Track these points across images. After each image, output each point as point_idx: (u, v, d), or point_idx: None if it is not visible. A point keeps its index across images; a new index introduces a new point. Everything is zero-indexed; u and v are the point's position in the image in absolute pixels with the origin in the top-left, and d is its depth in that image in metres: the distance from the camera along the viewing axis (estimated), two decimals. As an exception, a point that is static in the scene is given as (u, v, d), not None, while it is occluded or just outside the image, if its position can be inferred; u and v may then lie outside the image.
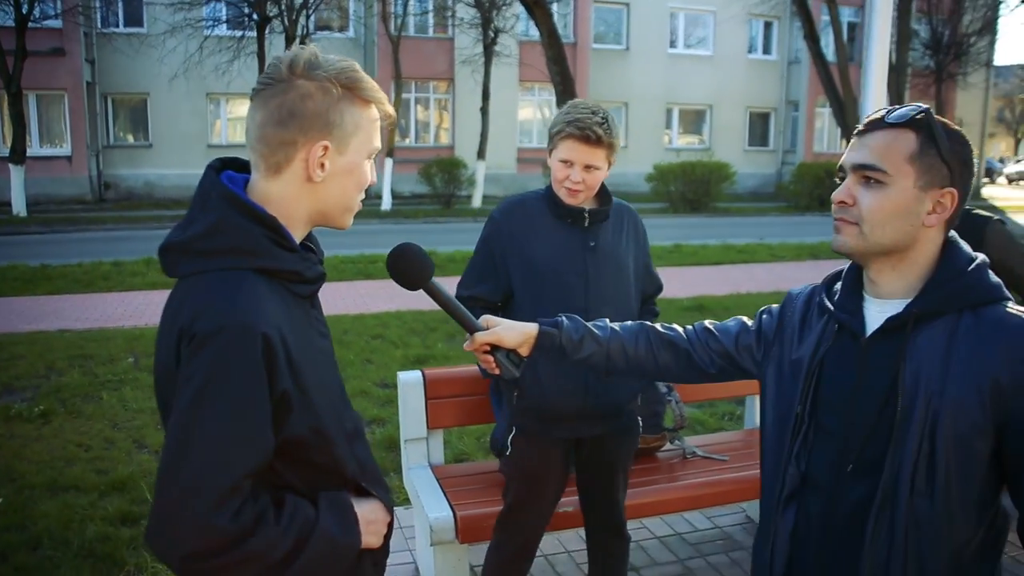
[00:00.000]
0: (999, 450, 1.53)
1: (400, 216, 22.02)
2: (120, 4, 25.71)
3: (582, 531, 3.27)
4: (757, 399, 4.43)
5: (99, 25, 25.23)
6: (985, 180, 42.21)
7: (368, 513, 1.65)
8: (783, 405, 1.77)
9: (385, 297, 10.51)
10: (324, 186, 1.57)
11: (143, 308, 9.99)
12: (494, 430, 3.12)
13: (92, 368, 7.24)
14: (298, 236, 1.61)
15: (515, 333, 1.97)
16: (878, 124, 1.62)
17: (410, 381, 3.70)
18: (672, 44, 31.94)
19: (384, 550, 1.76)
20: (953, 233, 1.67)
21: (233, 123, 28.06)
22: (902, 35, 21.07)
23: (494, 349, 1.97)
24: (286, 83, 1.52)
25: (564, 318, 2.02)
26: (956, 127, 1.63)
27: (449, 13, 26.37)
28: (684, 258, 14.69)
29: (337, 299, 10.60)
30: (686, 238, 17.57)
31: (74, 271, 12.28)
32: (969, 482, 1.53)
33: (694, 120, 33.17)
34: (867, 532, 1.57)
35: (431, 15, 28.36)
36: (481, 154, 24.89)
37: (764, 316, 1.95)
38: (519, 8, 16.43)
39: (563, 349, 1.99)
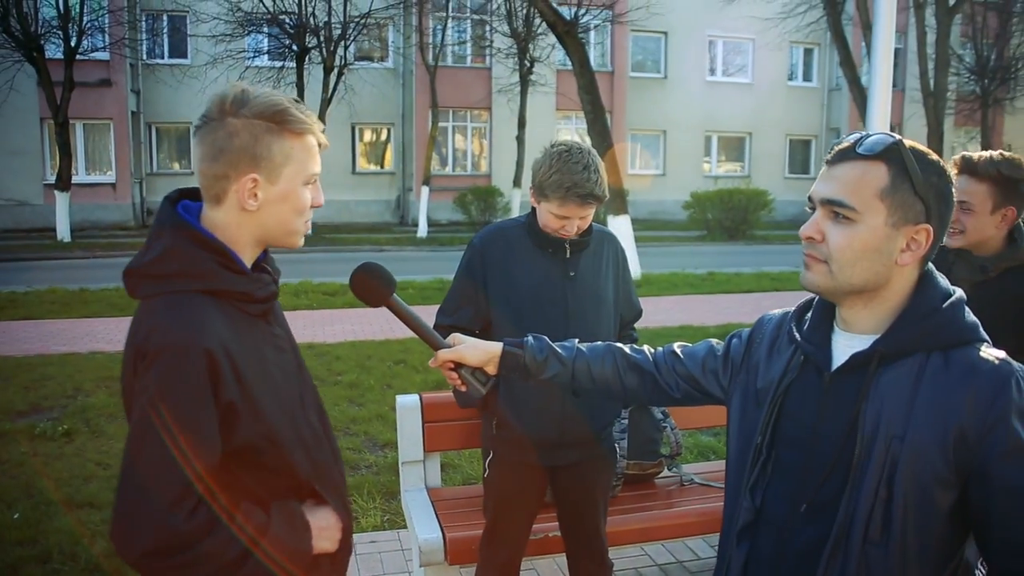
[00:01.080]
0: (962, 503, 1.46)
1: (436, 243, 22.17)
2: (165, 37, 26.40)
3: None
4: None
5: (144, 57, 25.90)
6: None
7: (320, 520, 1.78)
8: (745, 435, 1.70)
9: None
10: (260, 214, 1.69)
11: (174, 332, 10.13)
12: None
13: (119, 389, 7.32)
14: (247, 258, 1.73)
15: (478, 352, 1.97)
16: (848, 154, 1.53)
17: (408, 405, 3.73)
18: (711, 72, 31.94)
19: (344, 552, 1.86)
20: (930, 266, 1.59)
21: (275, 151, 28.40)
22: (940, 59, 20.82)
23: (459, 366, 1.98)
24: (217, 121, 1.65)
25: (530, 338, 2.00)
26: (933, 157, 1.53)
27: (486, 43, 26.64)
28: (717, 286, 14.61)
29: (364, 325, 10.70)
30: (721, 266, 17.48)
31: (111, 295, 12.53)
32: (927, 534, 1.46)
33: (734, 147, 33.05)
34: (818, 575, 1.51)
35: (468, 45, 28.66)
36: (517, 182, 25.03)
37: (733, 340, 1.87)
38: (555, 38, 16.56)
39: (527, 368, 1.96)
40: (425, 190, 24.05)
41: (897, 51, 30.92)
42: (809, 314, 1.69)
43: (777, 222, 28.61)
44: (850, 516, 1.48)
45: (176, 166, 27.75)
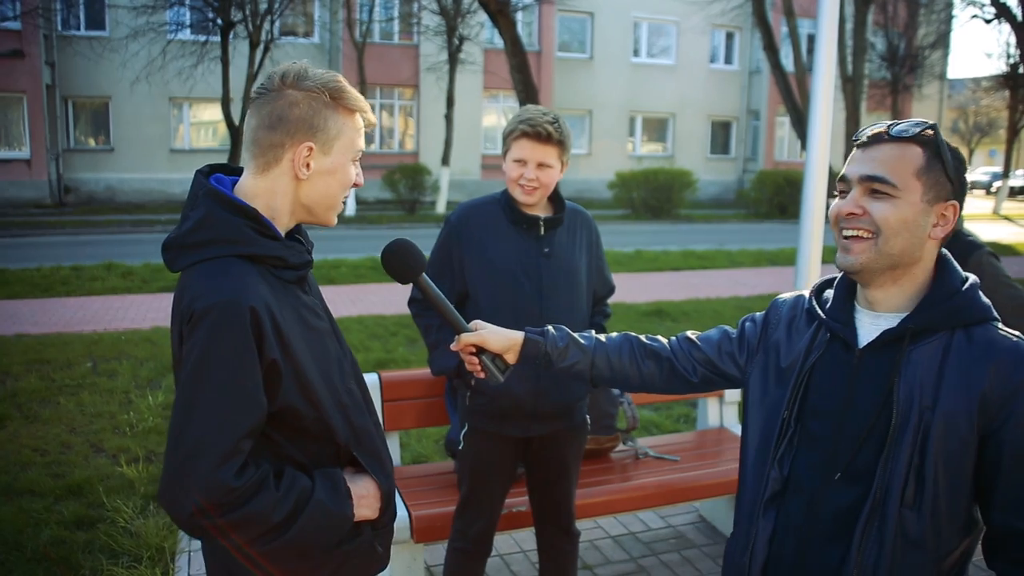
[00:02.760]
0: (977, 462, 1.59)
1: (365, 222, 22.00)
2: (81, 7, 25.44)
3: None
4: (710, 402, 4.54)
5: (59, 28, 24.95)
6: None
7: (360, 488, 1.82)
8: (768, 410, 1.81)
9: (347, 302, 10.53)
10: (309, 183, 1.77)
11: (102, 313, 9.91)
12: (449, 431, 3.17)
13: (49, 373, 7.19)
14: (283, 228, 1.79)
15: (501, 338, 2.00)
16: (882, 138, 1.66)
17: (366, 383, 3.74)
18: (635, 53, 32.23)
19: (387, 518, 1.91)
20: (946, 253, 1.73)
21: (196, 127, 27.83)
22: (858, 47, 21.43)
23: (480, 351, 2.01)
24: (277, 92, 1.73)
25: (550, 327, 2.05)
26: (954, 146, 1.68)
27: (414, 20, 26.40)
28: (645, 264, 14.85)
29: (329, 303, 10.58)
30: (647, 244, 17.76)
31: (32, 276, 12.12)
32: (956, 496, 1.59)
33: (657, 128, 33.47)
34: (854, 540, 1.62)
35: (396, 22, 28.36)
36: (445, 160, 24.94)
37: (747, 324, 1.98)
38: (484, 16, 16.52)
39: (548, 357, 2.01)
40: (352, 168, 23.74)
41: (813, 37, 31.73)
42: (828, 292, 1.83)
43: (699, 201, 29.18)
44: (887, 483, 1.59)
45: (93, 142, 26.83)
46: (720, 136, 34.32)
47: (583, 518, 3.61)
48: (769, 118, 33.16)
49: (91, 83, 25.45)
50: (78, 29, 25.37)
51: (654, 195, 25.28)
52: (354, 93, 1.78)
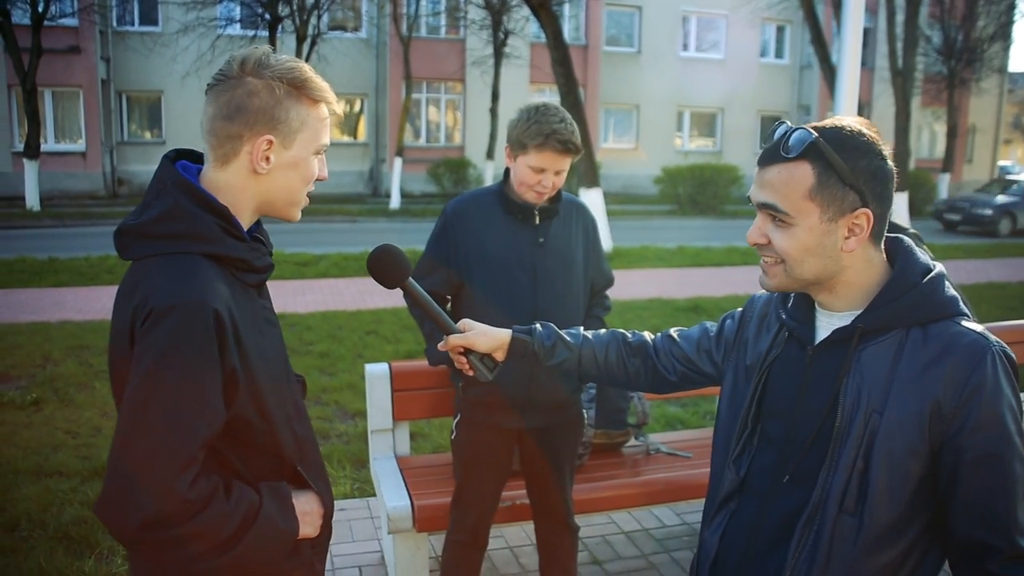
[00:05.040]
0: (931, 473, 1.50)
1: (408, 215, 22.11)
2: (135, 3, 25.96)
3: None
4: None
5: (114, 24, 25.49)
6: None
7: (303, 504, 1.73)
8: (734, 409, 1.76)
9: (383, 294, 10.58)
10: (269, 178, 1.66)
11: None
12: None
13: (88, 358, 7.35)
14: (245, 225, 1.69)
15: (488, 338, 1.98)
16: (774, 156, 1.55)
17: (377, 373, 3.76)
18: (684, 47, 31.94)
19: (325, 536, 1.82)
20: (908, 242, 1.62)
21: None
22: (909, 39, 20.97)
23: (468, 352, 2.00)
24: (236, 80, 1.62)
25: (538, 325, 2.03)
26: (862, 138, 1.52)
27: (461, 14, 26.45)
28: (686, 259, 14.72)
29: (335, 295, 10.70)
30: (691, 240, 17.60)
31: (80, 264, 12.42)
32: (897, 505, 1.49)
33: (705, 123, 33.14)
34: (791, 545, 1.56)
35: (443, 16, 28.44)
36: (490, 154, 24.99)
37: (727, 320, 1.93)
38: (529, 11, 16.48)
39: (536, 355, 1.99)
40: (398, 162, 23.92)
41: (867, 30, 31.06)
42: (793, 294, 1.75)
43: (747, 197, 28.76)
44: (827, 486, 1.52)
45: (147, 135, 27.37)
46: (770, 131, 33.77)
47: (591, 512, 3.60)
48: (820, 113, 32.59)
49: (144, 78, 25.95)
50: (132, 25, 25.90)
51: (700, 190, 25.04)
52: (319, 82, 1.68)
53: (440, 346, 2.02)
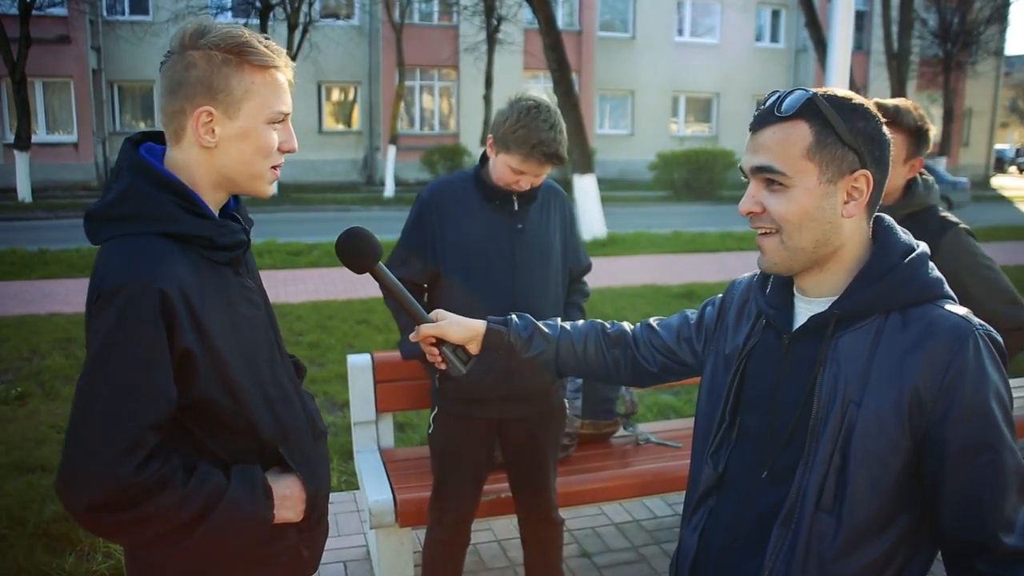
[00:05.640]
0: (913, 467, 1.41)
1: (403, 203, 22.01)
2: (126, -8, 25.81)
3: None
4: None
5: (104, 13, 25.33)
6: (994, 171, 41.82)
7: (283, 488, 1.70)
8: (713, 401, 1.67)
9: (375, 283, 10.51)
10: (219, 151, 1.62)
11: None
12: None
13: (75, 351, 7.27)
14: (211, 202, 1.66)
15: (461, 329, 1.89)
16: (768, 118, 1.46)
17: (359, 364, 3.69)
18: (679, 32, 31.77)
19: (314, 520, 1.78)
20: (889, 221, 1.54)
21: (238, 110, 28.09)
22: (904, 22, 20.88)
23: (440, 342, 1.91)
24: (177, 55, 1.59)
25: (514, 316, 1.94)
26: (857, 100, 1.46)
27: (453, 1, 26.29)
28: (681, 245, 14.66)
29: (328, 284, 10.62)
30: (687, 226, 17.54)
31: (71, 256, 12.32)
32: (876, 500, 1.41)
33: (701, 108, 33.02)
34: (769, 545, 1.48)
35: (435, 2, 28.28)
36: (485, 141, 24.83)
37: (707, 308, 1.83)
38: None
39: (511, 347, 1.90)
40: (392, 149, 23.81)
41: (862, 13, 30.99)
42: (772, 278, 1.65)
43: (743, 183, 28.67)
44: (804, 484, 1.44)
45: (141, 125, 27.22)
46: (766, 116, 33.70)
47: (577, 504, 3.53)
48: (816, 97, 32.45)
49: (136, 67, 25.77)
50: (122, 14, 25.74)
51: (695, 176, 24.96)
52: (262, 48, 1.61)
53: (412, 336, 1.94)
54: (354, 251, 1.84)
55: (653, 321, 1.94)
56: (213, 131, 1.60)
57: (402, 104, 26.20)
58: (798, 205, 1.44)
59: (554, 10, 16.02)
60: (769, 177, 1.46)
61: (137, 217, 1.56)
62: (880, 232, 1.52)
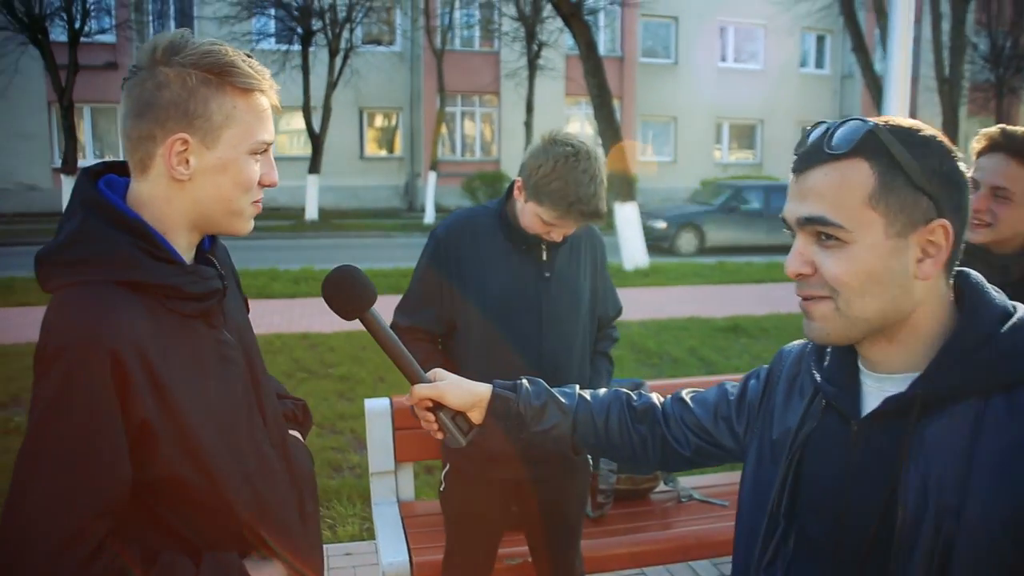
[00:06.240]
0: None
1: (441, 230, 21.85)
2: (172, 20, 26.13)
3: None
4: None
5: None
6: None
7: None
8: (759, 497, 1.36)
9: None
10: (194, 185, 1.40)
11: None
12: None
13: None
14: (182, 244, 1.42)
15: (462, 393, 1.61)
16: (817, 156, 1.17)
17: (377, 409, 3.41)
18: (722, 58, 31.45)
19: None
20: (977, 277, 1.23)
21: (280, 136, 28.37)
22: (956, 46, 20.37)
23: (437, 407, 1.63)
24: (146, 71, 1.37)
25: (524, 380, 1.66)
26: (927, 132, 1.17)
27: (494, 26, 26.31)
28: (726, 276, 14.27)
29: (331, 314, 10.40)
30: (730, 256, 17.14)
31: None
32: None
33: (745, 135, 32.60)
34: None
35: (477, 28, 28.31)
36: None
37: (751, 381, 1.54)
38: (563, 21, 16.22)
39: (521, 417, 1.62)
40: (432, 176, 23.75)
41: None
42: (830, 350, 1.34)
43: (781, 219, 28.20)
44: None
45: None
46: (811, 143, 33.25)
47: (613, 569, 3.21)
48: (863, 124, 31.93)
49: (179, 94, 26.03)
50: (169, 41, 26.09)
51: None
52: (246, 68, 1.39)
53: (406, 399, 1.67)
54: (342, 294, 1.56)
55: (686, 394, 1.63)
56: (187, 162, 1.38)
57: (443, 130, 26.18)
58: (860, 265, 1.15)
59: (595, 36, 15.83)
60: (822, 231, 1.17)
61: (88, 262, 1.33)
62: (968, 292, 1.21)
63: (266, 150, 1.44)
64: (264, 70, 1.42)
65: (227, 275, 1.54)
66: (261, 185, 1.45)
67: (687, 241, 18.90)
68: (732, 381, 1.60)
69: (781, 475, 1.29)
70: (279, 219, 24.34)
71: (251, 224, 1.48)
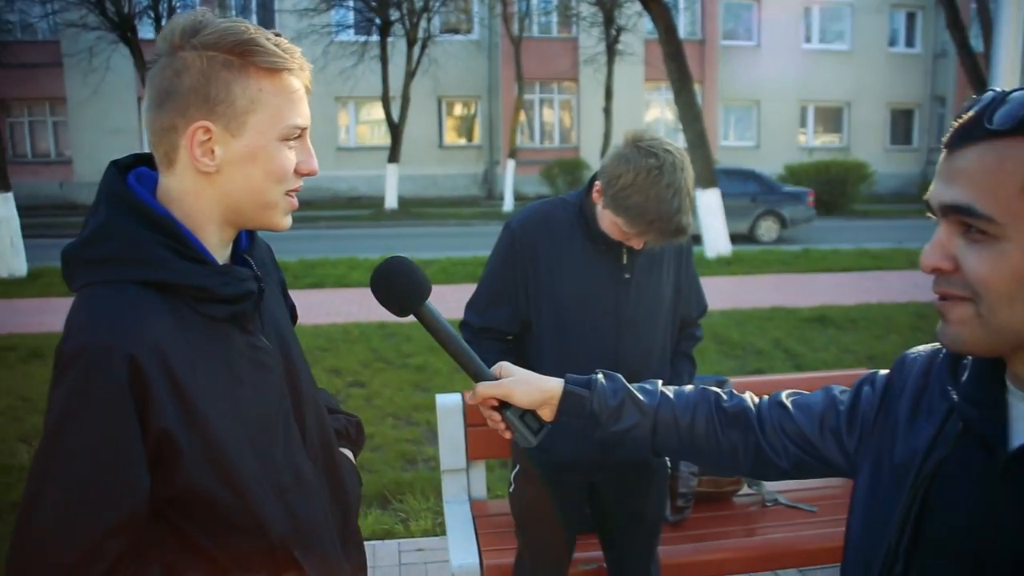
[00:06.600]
0: None
1: (519, 218, 21.80)
2: (254, 14, 26.61)
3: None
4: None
5: (236, 34, 26.23)
6: None
7: None
8: (874, 527, 1.18)
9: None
10: (222, 177, 1.29)
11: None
12: None
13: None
14: (213, 242, 1.32)
15: (530, 390, 1.48)
16: (974, 131, 0.98)
17: (448, 405, 3.31)
18: (807, 39, 30.57)
19: None
20: None
21: (361, 126, 28.69)
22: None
23: (504, 406, 1.51)
24: (168, 57, 1.26)
25: (600, 375, 1.51)
26: None
27: (572, 12, 26.10)
28: (812, 264, 13.81)
29: (441, 302, 10.16)
30: (816, 242, 16.66)
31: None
32: None
33: (831, 118, 31.67)
34: None
35: (554, 14, 28.13)
36: (604, 154, 24.49)
37: (864, 388, 1.33)
38: (641, 5, 15.92)
39: (595, 417, 1.47)
40: (511, 163, 23.70)
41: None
42: (969, 358, 1.14)
43: (878, 196, 27.34)
44: None
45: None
46: (901, 125, 32.09)
47: (698, 577, 3.05)
48: (956, 105, 30.62)
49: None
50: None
51: (826, 189, 23.82)
52: (271, 46, 1.26)
53: (468, 398, 1.56)
54: (393, 290, 1.46)
55: (786, 398, 1.43)
56: (212, 152, 1.26)
57: (522, 117, 26.10)
58: (1010, 267, 0.95)
59: (675, 19, 15.49)
60: (968, 221, 0.98)
61: (111, 261, 1.24)
62: None
63: (300, 135, 1.33)
64: (293, 48, 1.31)
65: (266, 275, 1.43)
66: (298, 174, 1.34)
67: None
68: (839, 385, 1.41)
69: (904, 506, 1.10)
70: (359, 208, 24.62)
71: (288, 220, 1.37)
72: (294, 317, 1.60)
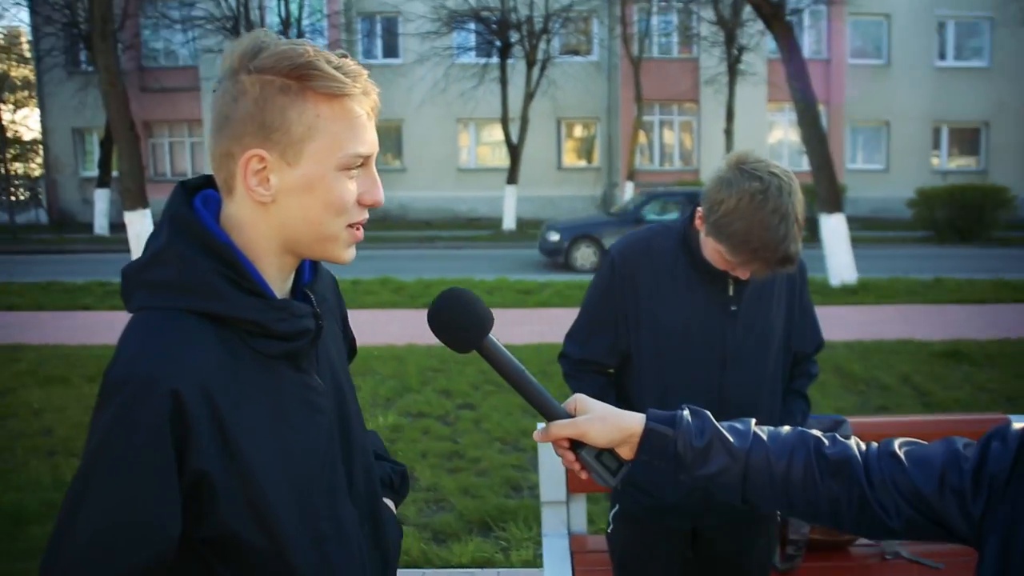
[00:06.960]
0: None
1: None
2: (379, 38, 27.45)
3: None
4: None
5: (362, 58, 27.01)
6: None
7: None
8: None
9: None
10: (278, 207, 1.24)
11: (367, 326, 10.18)
12: None
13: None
14: (272, 274, 1.27)
15: (608, 427, 1.36)
16: None
17: (548, 437, 3.23)
18: (940, 56, 29.32)
19: None
20: None
21: (481, 147, 29.08)
22: None
23: (578, 445, 1.40)
24: (228, 81, 1.22)
25: (687, 411, 1.39)
26: None
27: (692, 32, 25.85)
28: (944, 294, 13.12)
29: (554, 326, 10.30)
30: (951, 271, 15.83)
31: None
32: None
33: (967, 140, 30.22)
34: None
35: (674, 35, 27.90)
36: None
37: (994, 444, 1.19)
38: (763, 24, 15.61)
39: (679, 458, 1.36)
40: (629, 186, 23.60)
41: None
42: None
43: (1019, 222, 25.87)
44: None
45: (397, 163, 28.66)
46: (1046, 147, 30.39)
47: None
48: (1106, 124, 28.82)
49: (386, 107, 27.02)
50: (376, 58, 27.36)
51: (961, 215, 22.72)
52: (330, 70, 1.20)
53: (536, 436, 1.45)
54: (455, 323, 1.36)
55: (899, 447, 1.28)
56: (268, 181, 1.22)
57: (641, 139, 25.94)
58: None
59: (799, 38, 15.10)
60: None
61: (168, 287, 1.20)
62: None
63: (364, 163, 1.26)
64: (359, 71, 1.24)
65: (327, 311, 1.38)
66: (361, 205, 1.28)
67: (584, 256, 16.83)
68: (964, 437, 1.25)
69: None
70: (478, 228, 24.89)
71: (351, 252, 1.30)
72: (352, 351, 1.55)
